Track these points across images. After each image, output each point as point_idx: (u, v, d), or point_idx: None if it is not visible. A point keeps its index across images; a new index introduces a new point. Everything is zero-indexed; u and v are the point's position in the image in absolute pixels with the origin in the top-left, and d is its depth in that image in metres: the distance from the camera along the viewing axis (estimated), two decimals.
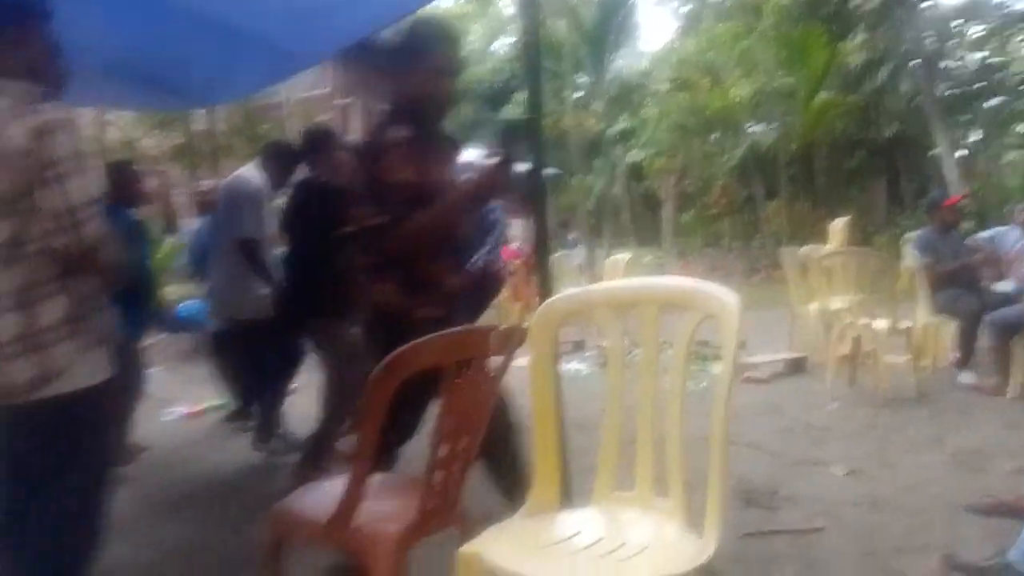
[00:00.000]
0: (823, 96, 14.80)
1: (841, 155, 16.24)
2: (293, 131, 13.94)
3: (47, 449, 1.89)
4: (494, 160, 2.41)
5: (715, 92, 16.06)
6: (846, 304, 5.05)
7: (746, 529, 2.78)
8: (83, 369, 1.86)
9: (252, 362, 4.34)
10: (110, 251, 1.90)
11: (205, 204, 5.16)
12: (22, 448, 1.91)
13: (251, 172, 4.14)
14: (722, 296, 1.66)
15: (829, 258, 5.61)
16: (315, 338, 3.77)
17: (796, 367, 5.54)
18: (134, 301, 3.99)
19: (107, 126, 10.30)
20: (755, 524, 2.84)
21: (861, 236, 10.62)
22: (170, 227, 5.19)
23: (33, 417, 1.85)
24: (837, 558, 2.43)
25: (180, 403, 5.22)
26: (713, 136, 17.43)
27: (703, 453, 1.61)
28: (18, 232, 1.81)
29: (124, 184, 4.14)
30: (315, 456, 3.59)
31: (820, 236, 8.93)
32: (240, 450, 4.24)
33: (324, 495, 1.96)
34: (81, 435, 1.91)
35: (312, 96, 16.72)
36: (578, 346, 7.21)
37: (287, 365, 4.26)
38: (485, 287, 4.26)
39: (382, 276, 2.48)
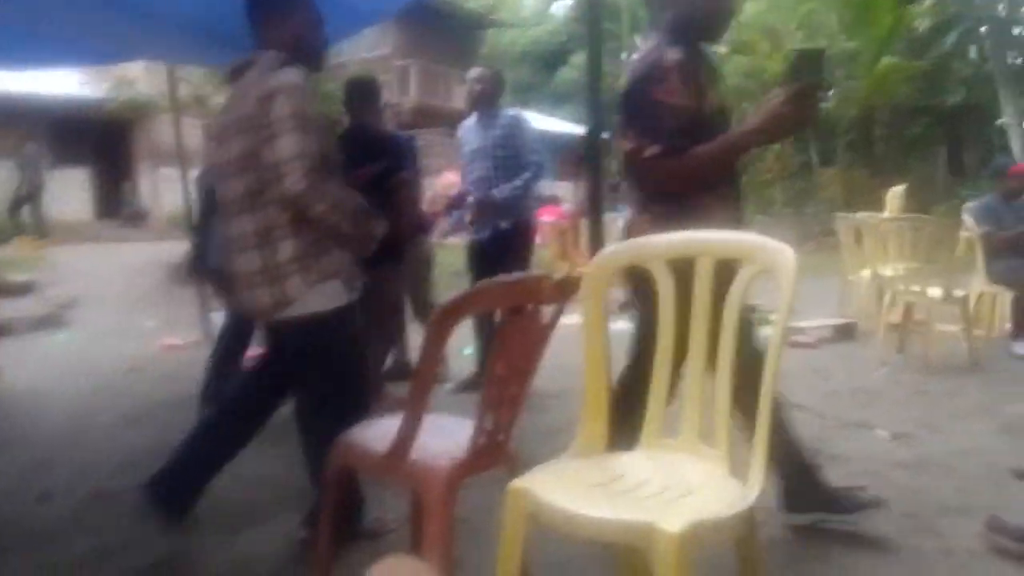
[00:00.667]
0: (887, 61, 14.30)
1: (902, 122, 15.72)
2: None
3: (293, 359, 2.38)
4: (794, 89, 2.10)
5: (775, 56, 15.63)
6: (900, 271, 4.98)
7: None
8: (314, 298, 2.23)
9: None
10: (322, 204, 2.17)
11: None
12: (275, 357, 2.49)
13: None
14: (779, 250, 1.69)
15: (885, 224, 5.53)
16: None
17: (845, 333, 5.50)
18: None
19: (180, 82, 10.56)
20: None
21: (919, 205, 10.32)
22: None
23: (279, 333, 2.34)
24: (878, 517, 2.46)
25: None
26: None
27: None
28: (255, 184, 2.20)
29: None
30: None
31: (876, 204, 8.74)
32: None
33: (384, 430, 2.07)
34: (317, 349, 2.31)
35: (373, 57, 16.79)
36: (625, 306, 7.24)
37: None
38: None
39: None
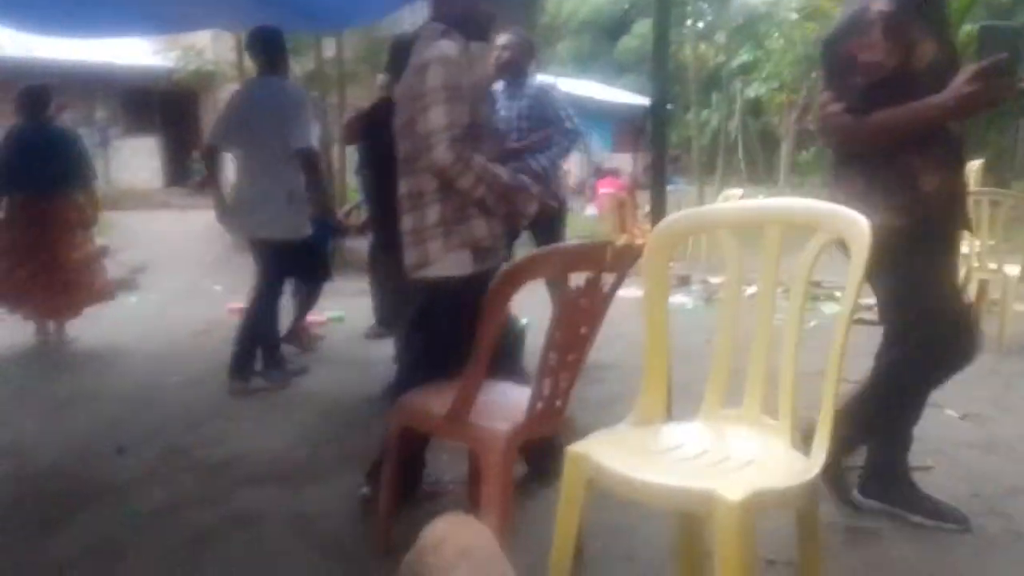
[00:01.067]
0: (967, 28, 13.63)
1: None
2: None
3: (428, 314, 2.51)
4: (981, 66, 1.99)
5: None
6: (976, 248, 4.78)
7: (852, 463, 2.77)
8: (447, 263, 2.34)
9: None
10: (465, 177, 2.25)
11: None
12: (416, 311, 2.69)
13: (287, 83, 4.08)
14: (852, 218, 1.63)
15: None
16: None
17: None
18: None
19: (246, 51, 10.93)
20: (861, 459, 2.82)
21: (996, 180, 9.89)
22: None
23: (419, 290, 2.47)
24: (944, 496, 2.39)
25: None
26: None
27: (811, 388, 1.62)
28: (411, 151, 2.32)
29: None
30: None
31: None
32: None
33: (444, 392, 2.10)
34: (445, 309, 2.39)
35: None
36: (683, 280, 7.16)
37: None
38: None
39: None
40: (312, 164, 3.82)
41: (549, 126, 3.98)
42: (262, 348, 4.03)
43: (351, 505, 2.56)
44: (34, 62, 12.12)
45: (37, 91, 4.94)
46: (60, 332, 5.19)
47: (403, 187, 2.41)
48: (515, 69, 4.08)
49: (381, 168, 3.80)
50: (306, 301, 4.77)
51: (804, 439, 1.66)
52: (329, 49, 10.58)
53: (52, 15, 4.53)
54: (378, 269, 4.65)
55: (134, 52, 13.06)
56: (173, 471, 2.95)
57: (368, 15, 5.02)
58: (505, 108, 4.09)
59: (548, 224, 4.11)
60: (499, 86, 4.16)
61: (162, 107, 16.10)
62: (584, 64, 24.19)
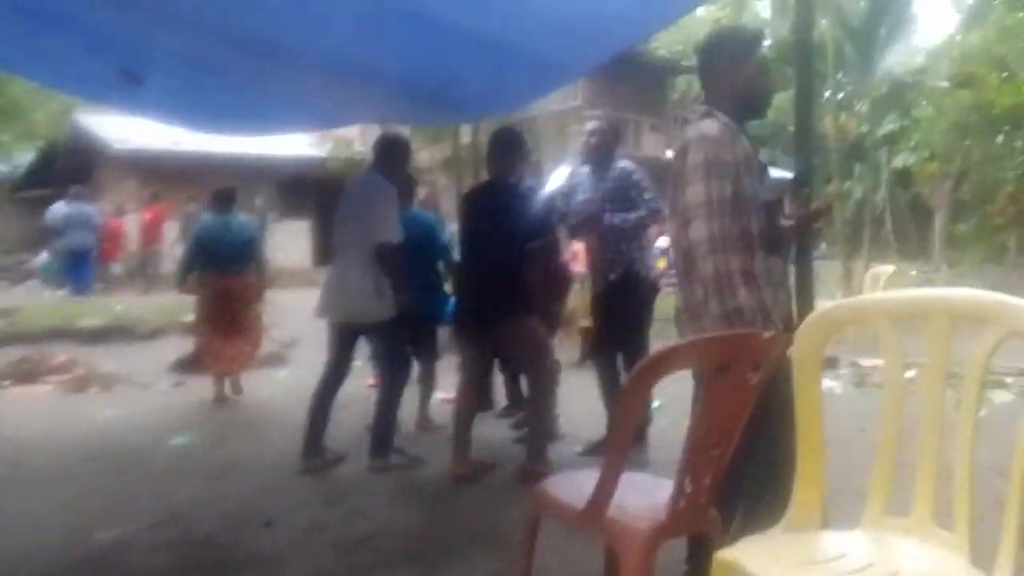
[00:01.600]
0: None
1: None
2: (548, 143, 14.41)
3: None
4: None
5: (1006, 88, 14.17)
6: None
7: None
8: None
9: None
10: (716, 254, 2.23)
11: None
12: None
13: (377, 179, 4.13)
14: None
15: None
16: (509, 335, 3.86)
17: None
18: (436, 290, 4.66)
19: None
20: None
21: None
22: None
23: None
24: None
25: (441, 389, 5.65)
26: (1000, 137, 15.39)
27: (984, 487, 1.47)
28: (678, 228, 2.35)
29: (406, 189, 4.65)
30: (540, 446, 3.86)
31: None
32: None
33: (581, 483, 2.05)
34: None
35: (564, 109, 17.26)
36: (830, 363, 6.75)
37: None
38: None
39: None
40: (384, 257, 3.90)
41: (632, 207, 4.06)
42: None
43: None
44: (204, 154, 13.48)
45: (227, 192, 6.14)
46: (236, 388, 6.15)
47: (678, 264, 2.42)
48: (601, 153, 4.18)
49: (472, 245, 3.97)
50: (424, 383, 4.92)
51: None
52: (466, 135, 11.12)
53: (221, 118, 5.07)
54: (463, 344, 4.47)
55: (291, 144, 14.23)
56: (316, 545, 3.03)
57: (504, 106, 5.23)
58: (591, 191, 4.19)
59: (623, 307, 4.07)
60: (586, 169, 4.29)
61: (315, 193, 17.33)
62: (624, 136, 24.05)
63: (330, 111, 5.29)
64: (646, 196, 4.12)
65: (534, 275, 3.85)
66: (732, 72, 2.40)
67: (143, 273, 12.94)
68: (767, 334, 1.89)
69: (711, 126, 2.31)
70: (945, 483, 1.61)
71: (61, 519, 3.37)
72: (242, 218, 6.23)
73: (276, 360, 7.98)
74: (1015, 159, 14.94)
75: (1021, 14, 14.73)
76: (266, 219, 15.59)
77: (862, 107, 17.44)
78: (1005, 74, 14.61)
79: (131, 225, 13.58)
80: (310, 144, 14.85)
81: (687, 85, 24.65)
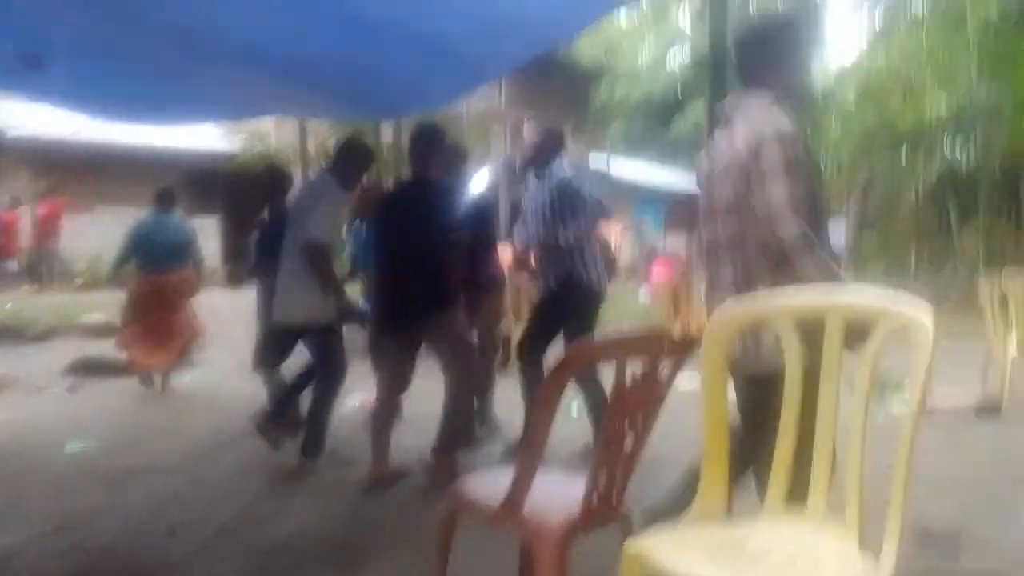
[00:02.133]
0: None
1: None
2: (472, 143, 14.46)
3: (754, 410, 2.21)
4: None
5: (908, 104, 14.98)
6: None
7: (924, 569, 2.62)
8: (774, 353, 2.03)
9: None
10: (807, 253, 2.06)
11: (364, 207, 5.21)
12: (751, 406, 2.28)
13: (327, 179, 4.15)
14: (915, 309, 1.59)
15: None
16: (433, 331, 3.82)
17: (990, 407, 5.09)
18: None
19: (307, 135, 11.41)
20: (934, 565, 2.67)
21: None
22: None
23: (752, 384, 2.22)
24: None
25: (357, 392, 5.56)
26: (902, 153, 16.26)
27: (877, 487, 1.55)
28: (738, 229, 2.22)
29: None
30: (452, 442, 3.82)
31: (1022, 263, 8.12)
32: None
33: (496, 482, 2.06)
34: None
35: (487, 109, 17.28)
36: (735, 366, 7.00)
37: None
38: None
39: None
40: (310, 257, 3.85)
41: (574, 213, 4.06)
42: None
43: None
44: (105, 144, 12.87)
45: (166, 191, 6.45)
46: (165, 382, 6.36)
47: (725, 268, 2.28)
48: (543, 159, 4.21)
49: (393, 244, 3.83)
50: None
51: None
52: (387, 135, 10.97)
53: (126, 105, 4.85)
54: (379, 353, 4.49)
55: (199, 136, 13.72)
56: (227, 551, 2.94)
57: (426, 103, 5.21)
58: (533, 198, 4.24)
59: (566, 312, 4.07)
60: (530, 175, 4.33)
61: (225, 189, 16.79)
62: (637, 145, 24.48)
63: (244, 102, 5.14)
64: (587, 201, 4.16)
65: (457, 269, 3.83)
66: (779, 60, 2.28)
67: (37, 271, 12.22)
68: (676, 333, 1.94)
69: (785, 121, 2.17)
70: (841, 481, 1.69)
71: None
72: (178, 218, 6.40)
73: (183, 362, 7.70)
74: (916, 175, 15.80)
75: (923, 36, 15.56)
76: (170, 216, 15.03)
77: None
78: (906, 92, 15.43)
79: (25, 219, 12.83)
80: (220, 137, 14.35)
81: (608, 92, 25.02)
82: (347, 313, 4.07)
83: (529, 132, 4.34)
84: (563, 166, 4.23)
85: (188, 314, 6.43)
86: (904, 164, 16.44)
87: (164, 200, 6.34)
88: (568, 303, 4.10)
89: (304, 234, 3.85)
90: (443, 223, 3.79)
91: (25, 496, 3.63)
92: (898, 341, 1.64)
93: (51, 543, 3.02)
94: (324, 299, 3.91)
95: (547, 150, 4.22)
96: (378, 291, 4.04)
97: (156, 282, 6.10)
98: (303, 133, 7.26)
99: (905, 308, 1.62)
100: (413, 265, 3.73)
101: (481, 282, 4.51)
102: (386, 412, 3.91)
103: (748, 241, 2.20)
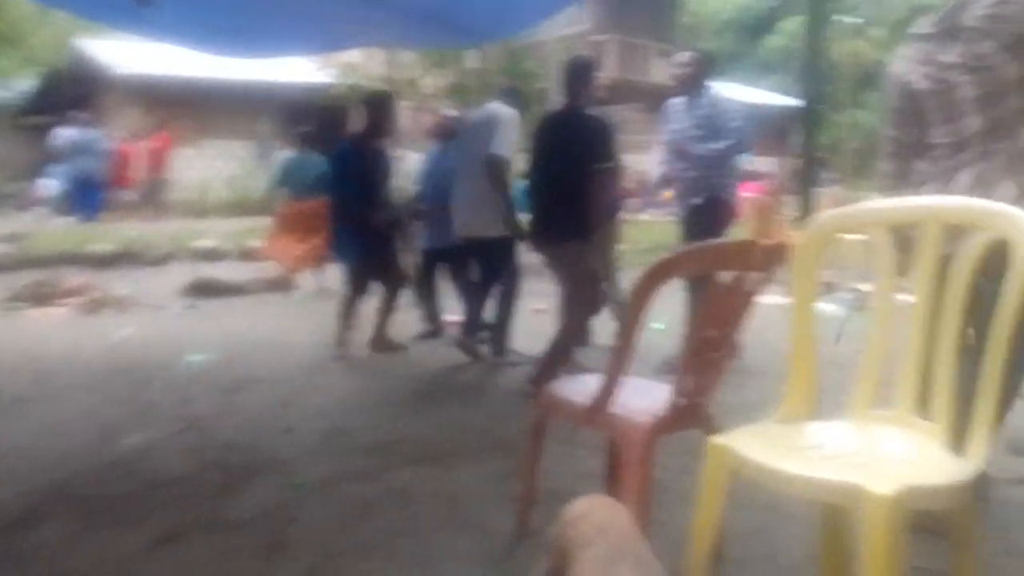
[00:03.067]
0: None
1: None
2: (553, 67, 14.29)
3: None
4: None
5: None
6: None
7: (1012, 476, 2.62)
8: None
9: (489, 278, 4.73)
10: None
11: (447, 131, 5.45)
12: None
13: (502, 105, 4.48)
14: (1016, 217, 1.58)
15: None
16: (563, 256, 4.00)
17: None
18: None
19: (395, 66, 11.57)
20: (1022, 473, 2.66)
21: None
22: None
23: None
24: None
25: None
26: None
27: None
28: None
29: (381, 117, 4.89)
30: (556, 361, 3.95)
31: None
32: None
33: (585, 384, 2.18)
34: None
35: (570, 34, 16.93)
36: (830, 287, 6.87)
37: (518, 281, 4.65)
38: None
39: None
40: (496, 172, 4.26)
41: (719, 135, 4.28)
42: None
43: (497, 487, 2.71)
44: (208, 80, 13.34)
45: (309, 133, 7.67)
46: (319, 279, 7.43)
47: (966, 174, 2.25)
48: (693, 84, 4.41)
49: (545, 168, 4.02)
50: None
51: None
52: (471, 61, 10.98)
53: (228, 39, 5.05)
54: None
55: (298, 69, 14.02)
56: (335, 449, 3.20)
57: (510, 29, 5.20)
58: (682, 120, 4.44)
59: (707, 229, 4.15)
60: (680, 100, 4.50)
61: (317, 120, 17.15)
62: (727, 64, 23.55)
63: (334, 33, 5.26)
64: (731, 126, 4.32)
65: (602, 199, 3.99)
66: None
67: (151, 200, 12.96)
68: (767, 242, 1.97)
69: None
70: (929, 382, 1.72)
71: (86, 428, 3.53)
72: (317, 156, 7.29)
73: (285, 284, 8.12)
74: None
75: None
76: (269, 147, 15.50)
77: (879, 33, 17.03)
78: None
79: (140, 152, 13.56)
80: (317, 69, 14.63)
81: (698, 8, 23.99)
82: (515, 227, 4.40)
83: (682, 59, 4.54)
84: (717, 92, 4.45)
85: (324, 236, 7.03)
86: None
87: (306, 140, 7.59)
88: (708, 218, 4.33)
89: (491, 153, 4.21)
90: (594, 154, 3.92)
91: (152, 400, 3.99)
92: None
93: (177, 442, 3.33)
94: (507, 213, 4.30)
95: (699, 76, 4.41)
96: (531, 211, 4.26)
97: (300, 207, 7.17)
98: (391, 65, 7.39)
99: (1005, 216, 1.61)
100: (555, 193, 3.92)
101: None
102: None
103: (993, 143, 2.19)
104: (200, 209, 14.08)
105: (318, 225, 6.97)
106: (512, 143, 4.29)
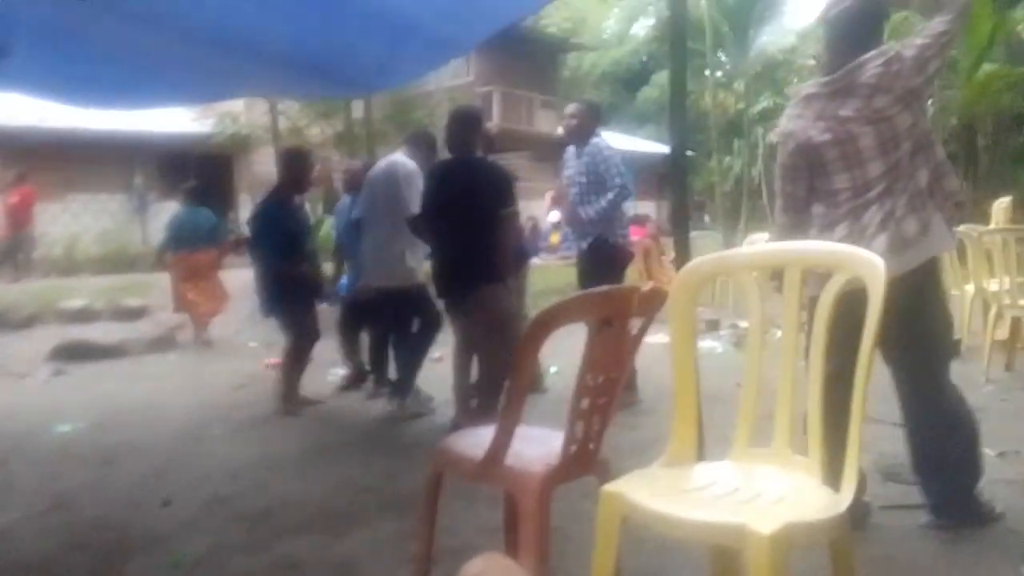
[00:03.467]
0: (987, 68, 13.68)
1: (1006, 131, 14.98)
2: (441, 118, 14.51)
3: None
4: None
5: None
6: (1006, 286, 4.78)
7: (887, 502, 2.78)
8: None
9: (397, 327, 4.73)
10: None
11: (352, 183, 5.47)
12: None
13: (403, 157, 4.54)
14: (870, 260, 1.70)
15: (989, 237, 5.29)
16: (480, 301, 3.99)
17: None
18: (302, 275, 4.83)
19: (279, 115, 11.33)
20: (896, 499, 2.83)
21: None
22: (328, 208, 5.83)
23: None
24: (979, 533, 2.39)
25: (340, 365, 5.65)
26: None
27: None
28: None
29: (300, 171, 5.02)
30: (483, 408, 3.95)
31: (979, 218, 8.38)
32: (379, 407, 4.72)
33: (478, 438, 2.16)
34: None
35: (456, 85, 17.24)
36: (712, 325, 7.18)
37: (433, 330, 4.64)
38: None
39: None
40: (414, 228, 4.35)
41: (606, 179, 4.48)
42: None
43: (392, 550, 2.63)
44: (75, 131, 12.68)
45: (195, 188, 8.11)
46: (202, 335, 7.87)
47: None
48: (581, 133, 4.61)
49: (444, 217, 4.03)
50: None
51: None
52: (357, 111, 10.95)
53: (96, 90, 4.83)
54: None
55: (171, 119, 13.57)
56: (217, 520, 3.03)
57: (397, 80, 5.24)
58: (572, 168, 4.66)
59: (600, 270, 4.40)
60: (571, 148, 4.71)
61: (198, 172, 16.62)
62: (605, 115, 24.57)
63: (215, 84, 5.12)
64: (615, 176, 4.50)
65: (506, 245, 4.01)
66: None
67: (13, 258, 12.08)
68: (645, 288, 2.04)
69: None
70: (804, 423, 1.81)
71: None
72: (205, 210, 7.95)
73: (165, 344, 7.73)
74: None
75: None
76: (146, 200, 14.85)
77: (739, 85, 18.25)
78: None
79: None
80: (192, 119, 14.21)
81: (576, 62, 24.92)
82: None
83: (569, 111, 4.74)
84: (601, 141, 4.62)
85: (217, 283, 8.07)
86: None
87: (193, 195, 8.03)
88: (604, 262, 4.52)
89: (406, 209, 4.30)
90: (499, 199, 3.95)
91: (16, 476, 3.68)
92: None
93: (43, 522, 3.08)
94: (416, 263, 4.42)
95: (587, 126, 4.61)
96: (433, 261, 4.29)
97: (194, 259, 7.77)
98: (274, 113, 7.27)
99: (861, 259, 1.73)
100: (463, 240, 3.94)
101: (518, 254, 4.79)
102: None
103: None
104: (68, 266, 13.24)
105: (212, 274, 8.06)
106: (417, 196, 4.30)
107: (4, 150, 13.57)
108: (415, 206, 4.27)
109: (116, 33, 3.73)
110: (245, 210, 17.03)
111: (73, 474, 3.71)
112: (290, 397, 4.83)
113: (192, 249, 7.76)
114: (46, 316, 8.24)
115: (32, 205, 12.04)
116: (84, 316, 8.31)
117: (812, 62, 17.45)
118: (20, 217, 11.83)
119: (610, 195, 4.48)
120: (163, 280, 10.45)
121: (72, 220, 14.59)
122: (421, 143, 4.69)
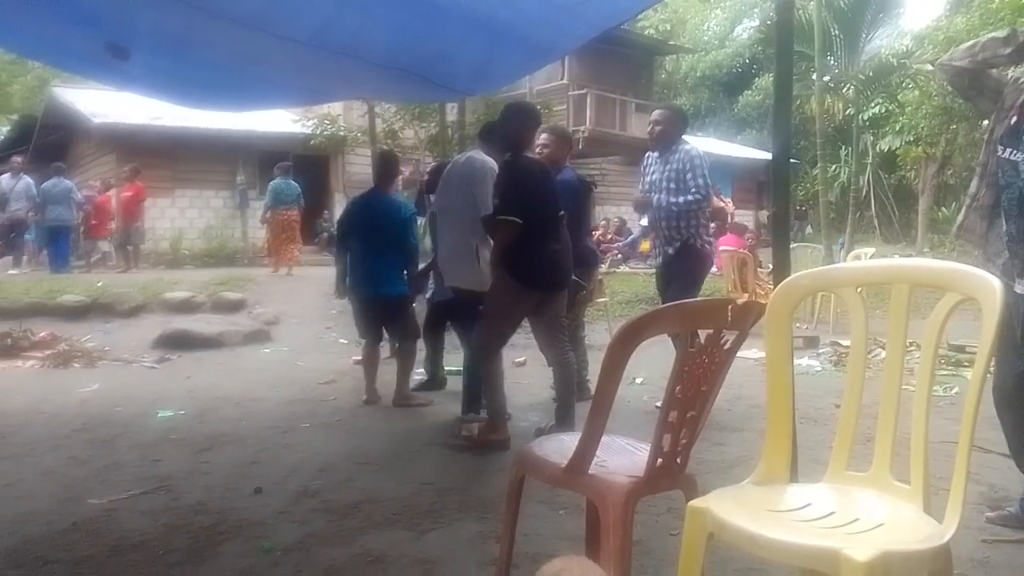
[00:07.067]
0: None
1: None
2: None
3: None
4: None
5: None
6: None
7: (991, 536, 2.61)
8: None
9: (461, 328, 4.77)
10: None
11: (432, 183, 5.37)
12: None
13: (481, 154, 4.43)
14: (984, 279, 1.60)
15: None
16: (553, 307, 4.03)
17: None
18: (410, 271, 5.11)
19: (375, 118, 11.55)
20: (1002, 533, 2.65)
21: None
22: (420, 209, 5.92)
23: None
24: None
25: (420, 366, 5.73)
26: (984, 122, 15.58)
27: (946, 456, 1.57)
28: None
29: (388, 172, 5.27)
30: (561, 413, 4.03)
31: None
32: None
33: (563, 444, 2.15)
34: None
35: (550, 87, 17.26)
36: (810, 342, 6.92)
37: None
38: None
39: None
40: (490, 229, 4.18)
41: (687, 188, 4.49)
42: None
43: (473, 551, 2.64)
44: (184, 129, 13.38)
45: (286, 164, 12.06)
46: (281, 271, 11.55)
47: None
48: (666, 140, 4.62)
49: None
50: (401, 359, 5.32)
51: None
52: (451, 114, 11.15)
53: (206, 92, 5.08)
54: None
55: (273, 120, 14.13)
56: (306, 511, 3.11)
57: (492, 84, 5.27)
58: (658, 172, 4.65)
59: (681, 276, 4.48)
60: (654, 154, 4.71)
61: (297, 170, 17.23)
62: (703, 119, 24.06)
63: (315, 87, 5.30)
64: (697, 180, 4.51)
65: (503, 243, 3.95)
66: None
67: (124, 250, 12.83)
68: (740, 301, 1.98)
69: None
70: (904, 445, 1.72)
71: (50, 488, 3.42)
72: (292, 180, 11.75)
73: (260, 337, 8.04)
74: None
75: None
76: (247, 197, 15.50)
77: (848, 90, 17.51)
78: None
79: (114, 201, 13.49)
80: (293, 120, 14.77)
81: (673, 65, 24.53)
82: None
83: (654, 117, 4.75)
84: (692, 147, 4.63)
85: (297, 238, 11.89)
86: (985, 134, 15.75)
87: (285, 170, 11.77)
88: (687, 267, 4.54)
89: (481, 207, 4.19)
90: (552, 199, 4.00)
91: (118, 459, 3.89)
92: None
93: (144, 503, 3.23)
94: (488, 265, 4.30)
95: (672, 132, 4.63)
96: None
97: (284, 217, 11.59)
98: (372, 115, 7.44)
99: (973, 278, 1.63)
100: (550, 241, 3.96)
101: (582, 257, 4.73)
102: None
103: None
104: (173, 259, 13.97)
105: (294, 230, 11.72)
106: (490, 194, 4.20)
107: (120, 146, 14.46)
108: (488, 205, 4.13)
109: (224, 38, 3.90)
110: (338, 210, 17.61)
111: (174, 458, 3.89)
112: (399, 397, 5.07)
113: (285, 209, 11.53)
114: (152, 306, 8.70)
115: (143, 200, 12.75)
116: (187, 307, 8.75)
117: (929, 67, 16.63)
118: (132, 211, 12.55)
119: (688, 196, 4.47)
120: (260, 275, 11.01)
121: (179, 215, 15.38)
122: (489, 139, 4.51)
